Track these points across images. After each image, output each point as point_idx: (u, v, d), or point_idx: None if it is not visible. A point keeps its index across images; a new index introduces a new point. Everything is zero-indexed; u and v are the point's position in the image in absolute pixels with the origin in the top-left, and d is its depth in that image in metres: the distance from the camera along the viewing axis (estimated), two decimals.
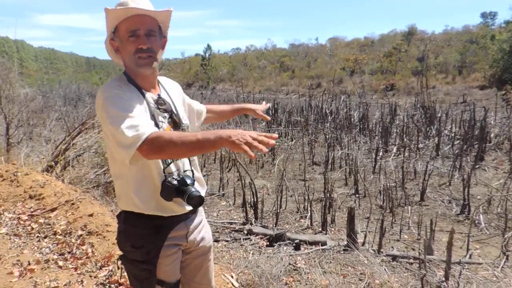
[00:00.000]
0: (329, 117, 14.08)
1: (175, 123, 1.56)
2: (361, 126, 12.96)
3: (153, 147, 1.29)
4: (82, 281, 3.03)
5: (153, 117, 1.47)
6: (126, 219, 1.56)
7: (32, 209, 4.36)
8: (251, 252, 4.25)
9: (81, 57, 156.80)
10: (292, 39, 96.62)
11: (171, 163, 1.53)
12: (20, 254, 3.45)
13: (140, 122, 1.33)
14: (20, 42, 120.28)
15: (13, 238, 3.79)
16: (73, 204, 4.24)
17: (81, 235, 3.66)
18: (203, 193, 1.63)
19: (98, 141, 5.99)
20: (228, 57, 71.88)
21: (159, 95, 1.56)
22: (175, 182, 1.48)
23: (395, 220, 5.37)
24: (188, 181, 1.49)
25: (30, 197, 4.61)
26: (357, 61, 40.59)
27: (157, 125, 1.46)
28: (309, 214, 5.51)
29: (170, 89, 1.68)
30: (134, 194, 1.50)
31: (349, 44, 53.55)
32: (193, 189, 1.48)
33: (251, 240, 4.72)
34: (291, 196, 6.45)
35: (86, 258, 3.33)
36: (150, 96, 1.53)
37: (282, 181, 6.00)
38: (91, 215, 3.92)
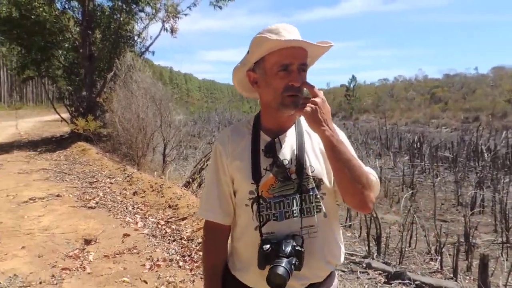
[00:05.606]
0: (485, 154, 12.66)
1: (284, 176, 1.24)
2: None
3: None
4: (193, 281, 3.55)
5: (257, 164, 1.26)
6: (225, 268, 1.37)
7: (168, 216, 5.21)
8: (366, 286, 4.16)
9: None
10: (447, 68, 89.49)
11: (269, 220, 1.23)
12: (153, 252, 4.19)
13: (206, 203, 1.36)
14: (189, 75, 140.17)
15: (151, 238, 4.61)
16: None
17: (200, 242, 4.24)
18: (304, 282, 1.22)
19: None
20: (374, 87, 70.54)
21: (277, 137, 1.28)
22: (267, 246, 1.14)
23: None
24: (284, 250, 1.12)
25: (169, 206, 5.51)
26: None
27: (259, 174, 1.25)
28: (439, 257, 5.15)
29: (308, 129, 1.30)
30: (230, 241, 1.38)
31: None
32: (282, 263, 1.08)
33: (368, 274, 4.58)
34: (424, 236, 6.09)
35: (201, 262, 3.86)
36: (264, 140, 1.29)
37: (409, 216, 5.71)
38: None
